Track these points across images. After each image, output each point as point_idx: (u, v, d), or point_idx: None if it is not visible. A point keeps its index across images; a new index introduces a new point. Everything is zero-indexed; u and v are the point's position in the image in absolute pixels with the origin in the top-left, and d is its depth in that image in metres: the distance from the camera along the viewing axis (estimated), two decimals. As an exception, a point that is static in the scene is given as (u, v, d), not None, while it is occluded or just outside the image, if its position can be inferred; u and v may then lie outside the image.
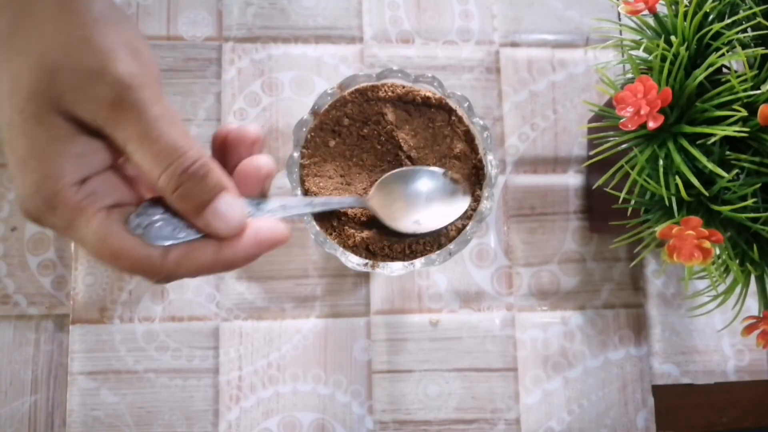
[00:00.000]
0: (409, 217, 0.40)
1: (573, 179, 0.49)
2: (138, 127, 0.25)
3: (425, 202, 0.40)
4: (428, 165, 0.41)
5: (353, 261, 0.39)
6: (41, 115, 0.25)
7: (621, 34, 0.45)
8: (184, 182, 0.26)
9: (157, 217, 0.27)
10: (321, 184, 0.41)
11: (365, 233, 0.40)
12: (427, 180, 0.40)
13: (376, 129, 0.42)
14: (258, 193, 0.31)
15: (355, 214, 0.41)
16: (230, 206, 0.27)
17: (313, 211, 0.35)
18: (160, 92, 0.26)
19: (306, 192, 0.40)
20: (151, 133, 0.25)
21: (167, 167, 0.25)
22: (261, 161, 0.30)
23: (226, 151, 0.31)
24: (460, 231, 0.41)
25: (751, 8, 0.34)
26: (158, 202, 0.28)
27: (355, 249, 0.40)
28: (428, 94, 0.42)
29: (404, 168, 0.40)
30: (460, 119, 0.42)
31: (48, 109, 0.25)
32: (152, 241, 0.26)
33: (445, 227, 0.40)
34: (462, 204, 0.41)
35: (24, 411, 0.44)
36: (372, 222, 0.40)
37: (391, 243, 0.40)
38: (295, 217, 0.33)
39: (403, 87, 0.42)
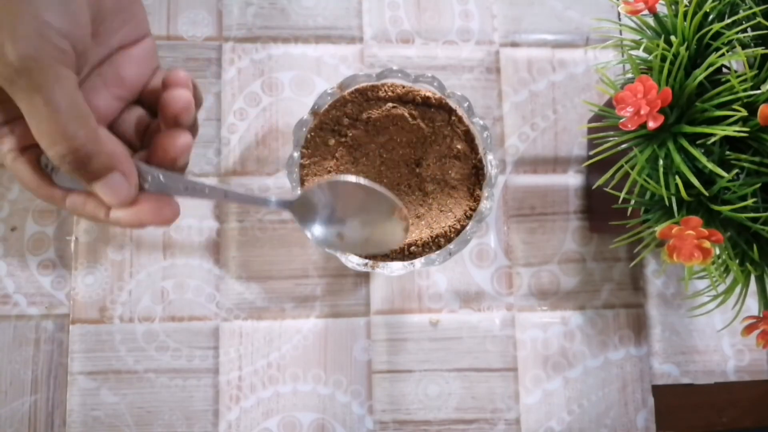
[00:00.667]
0: (332, 230, 0.36)
1: (573, 179, 0.49)
2: (27, 107, 0.27)
3: (359, 224, 0.36)
4: (382, 188, 0.35)
5: (353, 261, 0.39)
6: None
7: (621, 34, 0.45)
8: (67, 164, 0.28)
9: None
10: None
11: None
12: (369, 201, 0.35)
13: (376, 129, 0.42)
14: (170, 167, 0.32)
15: None
16: (116, 185, 0.29)
17: (224, 200, 0.34)
18: (59, 73, 0.27)
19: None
20: (37, 115, 0.27)
21: (50, 148, 0.27)
22: (173, 143, 0.31)
23: (160, 106, 0.32)
24: (459, 231, 0.41)
25: (751, 8, 0.34)
26: None
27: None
28: (428, 94, 0.42)
29: (344, 180, 0.35)
30: (460, 119, 0.42)
31: None
32: (57, 181, 0.30)
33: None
34: (398, 237, 0.36)
35: (24, 411, 0.44)
36: None
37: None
38: (199, 198, 0.34)
39: (403, 87, 0.42)
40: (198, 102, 0.34)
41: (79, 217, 0.32)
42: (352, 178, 0.35)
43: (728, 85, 0.32)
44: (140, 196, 0.31)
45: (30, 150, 0.30)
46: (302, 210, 0.36)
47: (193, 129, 0.34)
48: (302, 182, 0.40)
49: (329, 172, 0.41)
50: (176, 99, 0.31)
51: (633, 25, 0.38)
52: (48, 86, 0.26)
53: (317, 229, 0.37)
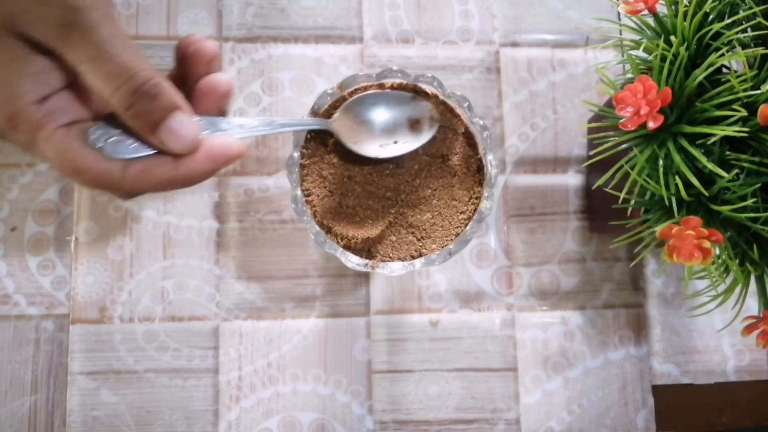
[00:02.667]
0: (374, 141, 0.40)
1: (573, 179, 0.49)
2: (88, 48, 0.25)
3: (391, 126, 0.40)
4: (397, 91, 0.41)
5: (353, 261, 0.39)
6: None
7: (621, 34, 0.45)
8: (136, 102, 0.26)
9: (116, 132, 0.28)
10: (321, 184, 0.41)
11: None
12: (394, 104, 0.40)
13: (376, 129, 0.42)
14: (216, 111, 0.31)
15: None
16: (183, 124, 0.28)
17: (272, 132, 0.34)
18: (111, 13, 0.26)
19: (305, 192, 0.40)
20: (101, 55, 0.25)
21: (118, 88, 0.26)
22: (218, 80, 0.31)
23: (186, 66, 0.31)
24: (459, 231, 0.41)
25: (751, 8, 0.34)
26: (117, 118, 0.28)
27: (355, 249, 0.40)
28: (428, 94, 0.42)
29: (370, 92, 0.40)
30: (460, 119, 0.42)
31: (1, 31, 0.25)
32: (112, 156, 0.27)
33: (415, 151, 0.40)
34: (430, 130, 0.40)
35: (24, 411, 0.44)
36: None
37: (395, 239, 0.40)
38: (253, 135, 0.34)
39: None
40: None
41: (144, 191, 0.29)
42: (371, 90, 0.39)
43: (728, 85, 0.32)
44: (202, 141, 0.29)
45: (75, 127, 0.27)
46: (343, 129, 0.39)
47: None
48: (302, 182, 0.40)
49: (329, 172, 0.41)
50: (205, 47, 0.31)
51: (633, 25, 0.38)
52: (106, 23, 0.25)
53: (363, 146, 0.39)
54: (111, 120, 0.28)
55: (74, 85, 0.27)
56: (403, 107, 0.40)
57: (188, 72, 0.31)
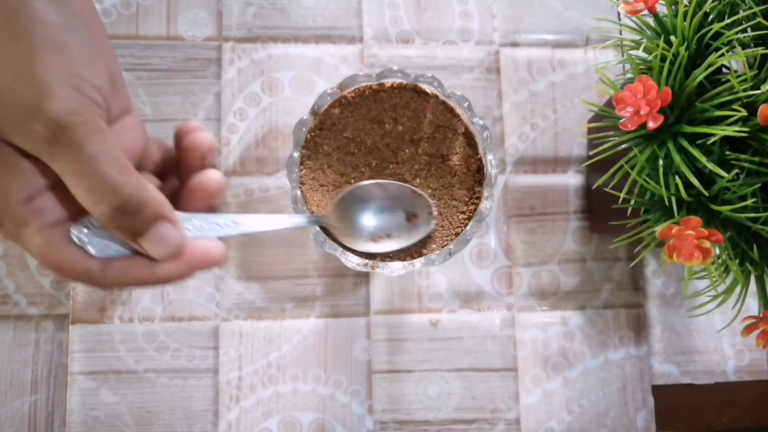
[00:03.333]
0: (368, 235, 0.39)
1: (573, 179, 0.49)
2: (72, 164, 0.26)
3: (387, 219, 0.39)
4: (398, 180, 0.40)
5: (353, 261, 0.39)
6: None
7: (621, 34, 0.45)
8: (119, 218, 0.27)
9: (98, 230, 0.28)
10: (320, 183, 0.41)
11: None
12: (393, 196, 0.40)
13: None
14: (206, 208, 0.31)
15: None
16: (166, 234, 0.28)
17: (266, 230, 0.33)
18: (100, 126, 0.26)
19: (302, 191, 0.40)
20: (83, 170, 0.26)
21: (99, 203, 0.26)
22: (209, 178, 0.31)
23: (181, 155, 0.31)
24: (459, 231, 0.41)
25: (751, 8, 0.34)
26: None
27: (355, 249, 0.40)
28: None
29: (367, 182, 0.39)
30: (460, 119, 0.42)
31: None
32: (93, 253, 0.28)
33: (413, 246, 0.40)
34: (426, 225, 0.40)
35: (24, 411, 0.44)
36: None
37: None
38: (245, 236, 0.33)
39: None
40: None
41: (121, 289, 0.30)
42: (367, 181, 0.39)
43: (728, 85, 0.32)
44: (184, 244, 0.29)
45: (59, 227, 0.28)
46: (336, 223, 0.39)
47: None
48: (302, 182, 0.40)
49: (330, 177, 0.41)
50: (201, 140, 0.31)
51: (633, 25, 0.38)
52: (93, 139, 0.26)
53: (355, 242, 0.39)
54: (93, 219, 0.28)
55: (60, 186, 0.27)
56: (401, 200, 0.40)
57: (183, 162, 0.32)
